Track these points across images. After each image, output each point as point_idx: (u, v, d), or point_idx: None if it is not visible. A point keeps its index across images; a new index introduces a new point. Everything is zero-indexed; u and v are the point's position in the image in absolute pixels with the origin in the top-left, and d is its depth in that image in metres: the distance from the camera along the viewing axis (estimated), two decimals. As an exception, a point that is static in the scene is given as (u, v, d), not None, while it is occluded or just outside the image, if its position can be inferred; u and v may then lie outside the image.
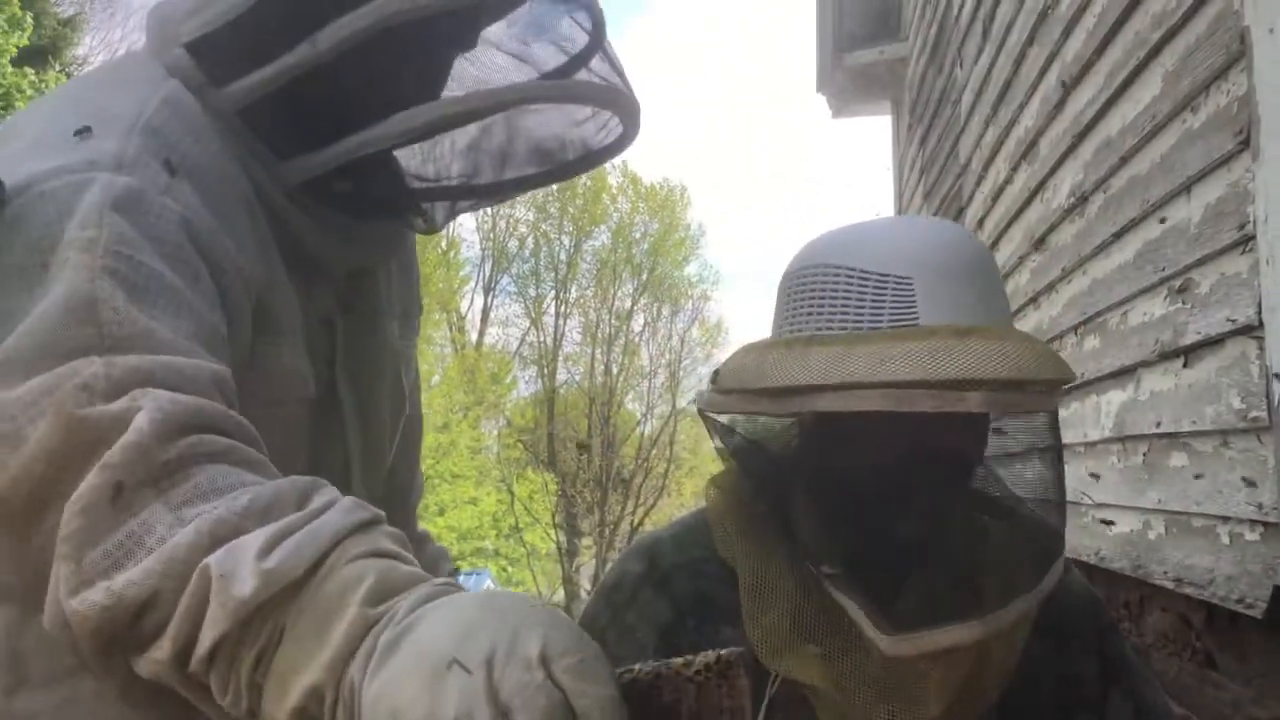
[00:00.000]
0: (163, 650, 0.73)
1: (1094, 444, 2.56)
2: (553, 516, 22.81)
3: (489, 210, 23.46)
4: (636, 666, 0.64)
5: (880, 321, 0.99)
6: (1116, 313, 2.40)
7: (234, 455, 0.83)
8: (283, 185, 1.13)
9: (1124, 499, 2.33)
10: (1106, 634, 1.18)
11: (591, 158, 1.29)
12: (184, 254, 0.95)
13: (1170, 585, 2.01)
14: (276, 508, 0.77)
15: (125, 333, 0.85)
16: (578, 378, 25.06)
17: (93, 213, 0.89)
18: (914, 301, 0.99)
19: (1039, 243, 3.11)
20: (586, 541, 23.44)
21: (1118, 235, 2.39)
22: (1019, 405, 0.97)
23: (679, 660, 0.63)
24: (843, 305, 1.02)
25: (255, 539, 0.73)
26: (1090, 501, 2.56)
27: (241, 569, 0.71)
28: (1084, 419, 2.63)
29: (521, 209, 24.21)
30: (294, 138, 1.12)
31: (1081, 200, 2.67)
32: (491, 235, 24.64)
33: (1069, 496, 2.69)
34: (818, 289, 1.04)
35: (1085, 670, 1.15)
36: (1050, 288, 2.99)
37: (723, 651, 0.63)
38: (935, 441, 1.01)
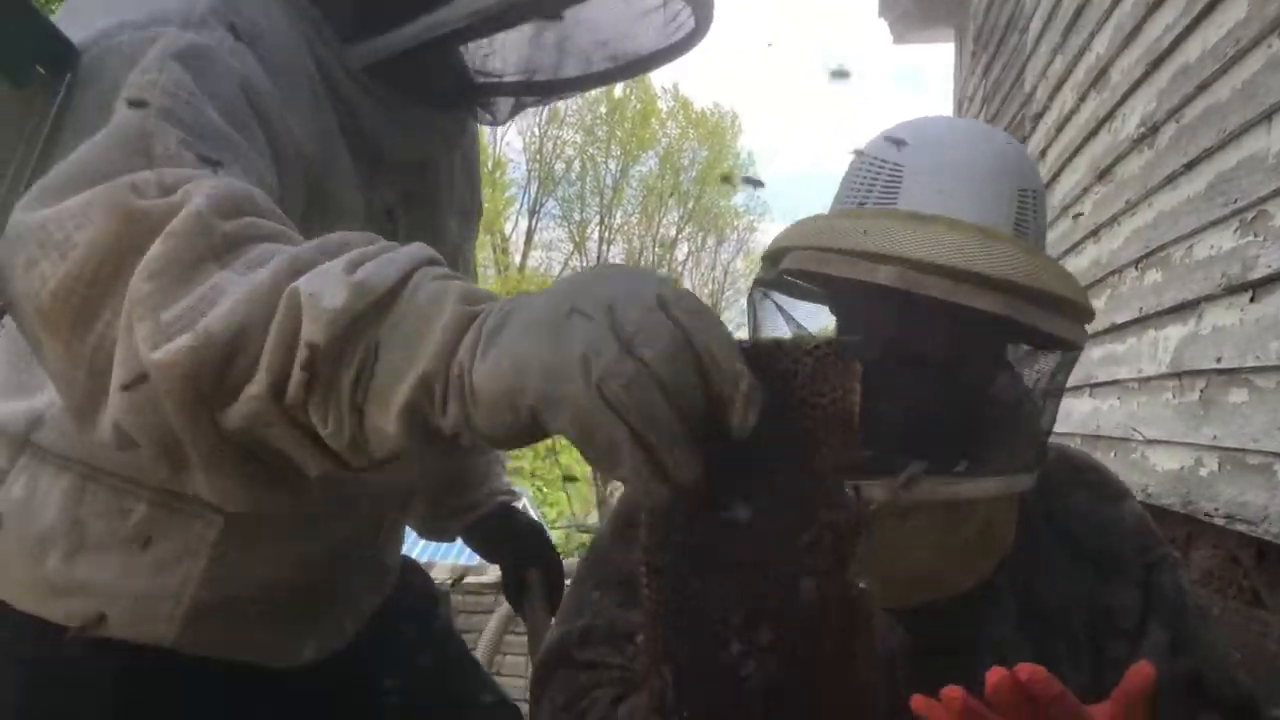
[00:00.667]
0: (258, 383, 0.70)
1: (1148, 379, 2.52)
2: (589, 441, 22.95)
3: (536, 131, 23.31)
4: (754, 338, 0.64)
5: (866, 201, 1.07)
6: (1182, 246, 2.34)
7: (289, 239, 0.81)
8: (348, 68, 1.12)
9: (1176, 435, 2.29)
10: (1154, 567, 1.15)
11: (661, 54, 1.26)
12: (240, 113, 0.94)
13: (1221, 522, 1.99)
14: (349, 244, 0.75)
15: (175, 167, 0.83)
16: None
17: (154, 61, 0.89)
18: (898, 188, 1.05)
19: (1103, 174, 3.03)
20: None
21: (1189, 166, 2.32)
22: (936, 289, 0.96)
23: (797, 335, 0.63)
24: (853, 187, 1.10)
25: (337, 263, 0.71)
26: (1141, 438, 2.52)
27: (330, 284, 0.69)
28: (1140, 355, 2.59)
29: (569, 131, 24.05)
30: (361, 21, 1.11)
31: (1152, 130, 2.59)
32: (538, 157, 24.50)
33: (1119, 433, 2.66)
34: (849, 172, 1.12)
35: (1125, 602, 1.13)
36: (1113, 220, 2.92)
37: (841, 336, 0.63)
38: (906, 321, 1.03)
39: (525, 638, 1.68)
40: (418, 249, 0.74)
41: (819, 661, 0.63)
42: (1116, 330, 2.78)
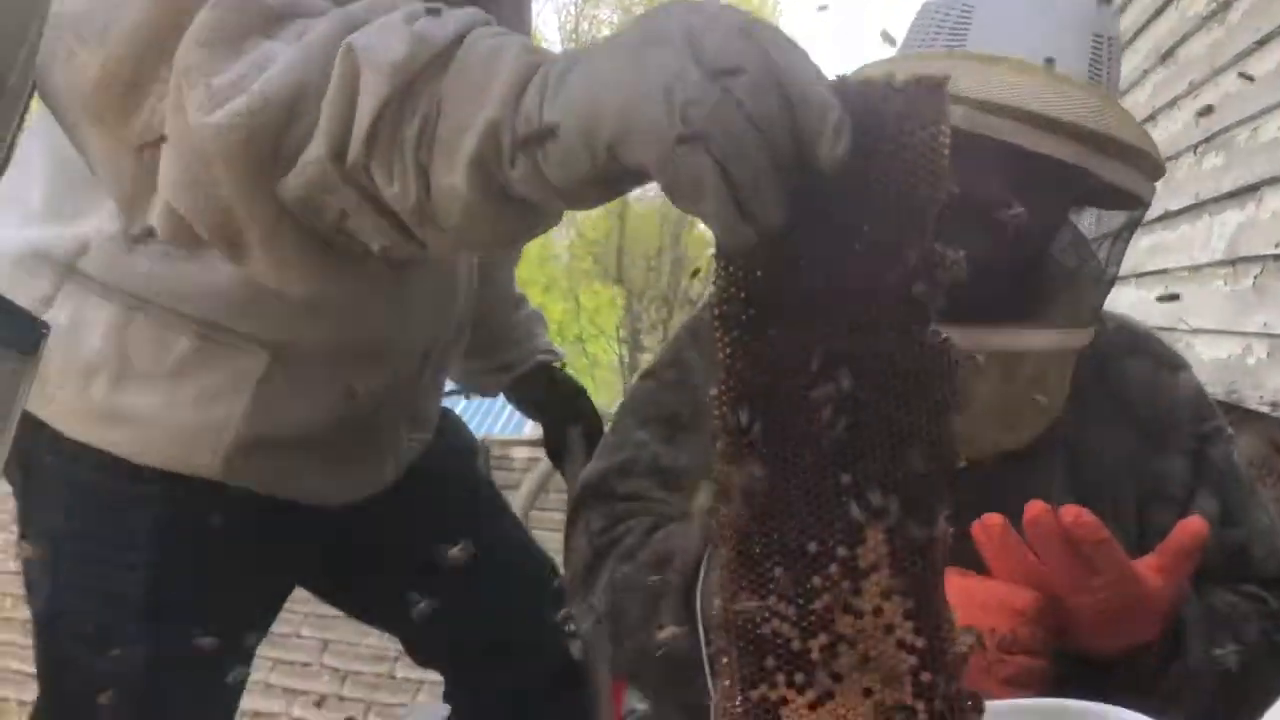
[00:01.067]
0: (318, 145, 0.67)
1: (1199, 267, 2.46)
2: (617, 330, 23.04)
3: (572, 10, 22.77)
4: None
5: (934, 45, 1.03)
6: (1246, 128, 2.26)
7: None
8: None
9: (1225, 324, 2.25)
10: (1208, 438, 1.13)
11: None
12: None
13: (1266, 409, 1.96)
14: (398, 4, 0.71)
15: None
16: (651, 194, 24.79)
17: None
18: (967, 30, 1.01)
19: (1166, 56, 2.92)
20: (648, 357, 23.70)
21: (1260, 43, 2.22)
22: (1001, 131, 0.92)
23: (886, 71, 0.60)
24: (919, 31, 1.06)
25: (393, 16, 0.68)
26: (1186, 327, 2.48)
27: (388, 38, 0.66)
28: (1192, 242, 2.53)
29: (606, 10, 23.44)
30: None
31: (1223, 7, 2.48)
32: (574, 37, 23.95)
33: (1165, 322, 2.62)
34: (916, 17, 1.08)
35: (1173, 469, 1.11)
36: (1173, 104, 2.82)
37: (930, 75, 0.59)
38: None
39: (552, 513, 1.69)
40: (472, 11, 0.70)
41: (901, 409, 0.60)
42: (1169, 218, 2.71)
